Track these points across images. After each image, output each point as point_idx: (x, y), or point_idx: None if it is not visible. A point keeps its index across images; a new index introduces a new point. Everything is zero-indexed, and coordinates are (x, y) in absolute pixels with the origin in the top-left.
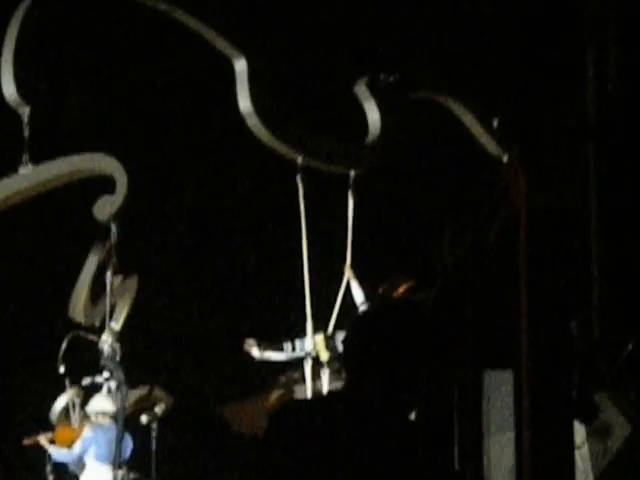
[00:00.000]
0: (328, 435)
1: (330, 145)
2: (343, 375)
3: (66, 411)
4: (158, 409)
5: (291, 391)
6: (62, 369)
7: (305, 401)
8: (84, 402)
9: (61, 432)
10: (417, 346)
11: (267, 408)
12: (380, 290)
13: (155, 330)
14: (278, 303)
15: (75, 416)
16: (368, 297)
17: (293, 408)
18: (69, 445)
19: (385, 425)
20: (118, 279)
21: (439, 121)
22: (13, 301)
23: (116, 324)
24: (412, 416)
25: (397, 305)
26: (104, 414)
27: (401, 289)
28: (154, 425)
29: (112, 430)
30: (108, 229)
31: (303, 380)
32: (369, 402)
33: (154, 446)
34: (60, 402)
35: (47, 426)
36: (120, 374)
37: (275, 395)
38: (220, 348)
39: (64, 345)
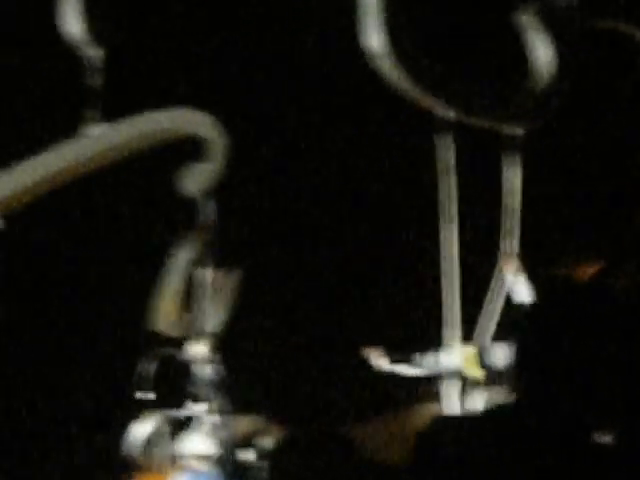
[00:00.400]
0: (493, 461)
1: (486, 94)
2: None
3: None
4: (267, 442)
5: (437, 408)
6: (150, 395)
7: (465, 418)
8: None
9: None
10: (618, 351)
11: (411, 428)
12: (555, 278)
13: (260, 339)
14: (410, 305)
15: (159, 454)
16: (539, 293)
17: (449, 426)
18: None
19: (570, 452)
20: (215, 275)
21: (629, 61)
22: (76, 313)
23: (212, 335)
24: (605, 442)
25: (587, 296)
26: (201, 458)
27: (585, 274)
28: (263, 464)
29: (212, 478)
30: (197, 209)
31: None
32: (549, 423)
33: None
34: (142, 433)
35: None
36: (224, 403)
37: (420, 411)
38: (339, 360)
39: (153, 367)
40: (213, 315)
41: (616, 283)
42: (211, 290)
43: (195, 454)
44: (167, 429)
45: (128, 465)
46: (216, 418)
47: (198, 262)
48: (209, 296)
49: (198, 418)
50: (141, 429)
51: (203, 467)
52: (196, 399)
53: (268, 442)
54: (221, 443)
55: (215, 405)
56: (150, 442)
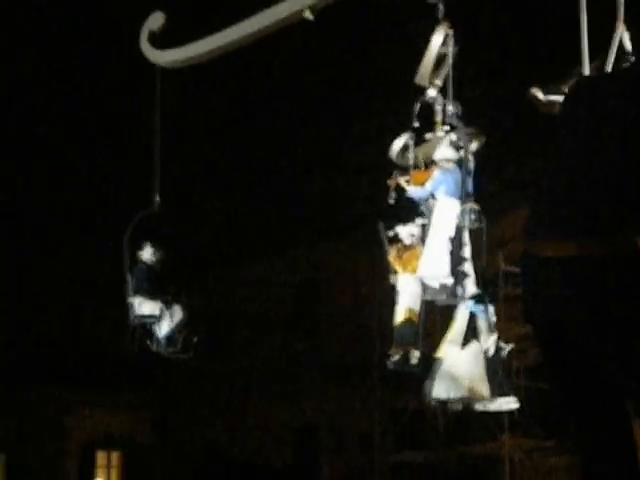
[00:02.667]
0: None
1: None
2: None
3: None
4: None
5: None
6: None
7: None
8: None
9: (416, 175)
10: None
11: None
12: None
13: None
14: None
15: (410, 156)
16: None
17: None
18: (422, 184)
19: None
20: None
21: None
22: None
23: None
24: None
25: None
26: (448, 160)
27: None
28: None
29: (457, 172)
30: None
31: None
32: None
33: None
34: (398, 143)
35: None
36: (465, 130)
37: None
38: None
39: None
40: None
41: None
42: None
43: (444, 158)
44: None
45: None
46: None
47: None
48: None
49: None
50: (397, 142)
51: (451, 166)
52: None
53: None
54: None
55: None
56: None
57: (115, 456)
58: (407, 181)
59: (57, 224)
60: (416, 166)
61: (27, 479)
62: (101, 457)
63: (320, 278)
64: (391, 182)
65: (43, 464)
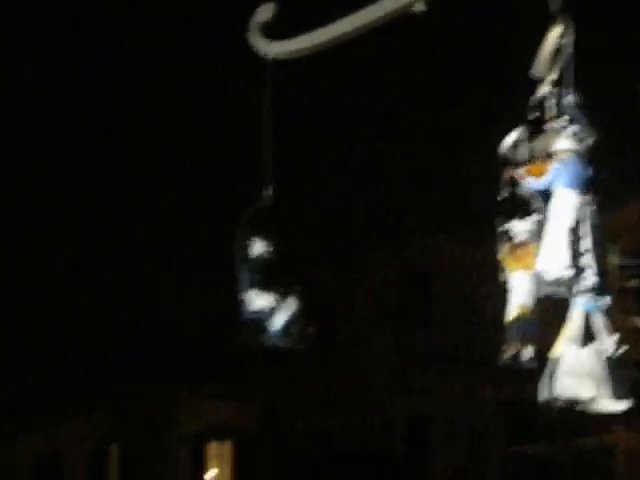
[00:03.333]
0: None
1: None
2: None
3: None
4: None
5: None
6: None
7: None
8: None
9: (533, 167)
10: None
11: None
12: None
13: None
14: None
15: (523, 150)
16: None
17: None
18: (539, 176)
19: None
20: None
21: None
22: None
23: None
24: None
25: None
26: (568, 152)
27: None
28: None
29: (576, 164)
30: None
31: None
32: None
33: None
34: (510, 138)
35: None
36: (584, 122)
37: None
38: None
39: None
40: None
41: None
42: None
43: (563, 149)
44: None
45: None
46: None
47: None
48: None
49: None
50: (509, 136)
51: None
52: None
53: None
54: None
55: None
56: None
57: (227, 446)
58: (524, 173)
59: (170, 218)
60: (531, 159)
61: (140, 470)
62: (213, 448)
63: (434, 270)
64: (506, 176)
65: (156, 455)
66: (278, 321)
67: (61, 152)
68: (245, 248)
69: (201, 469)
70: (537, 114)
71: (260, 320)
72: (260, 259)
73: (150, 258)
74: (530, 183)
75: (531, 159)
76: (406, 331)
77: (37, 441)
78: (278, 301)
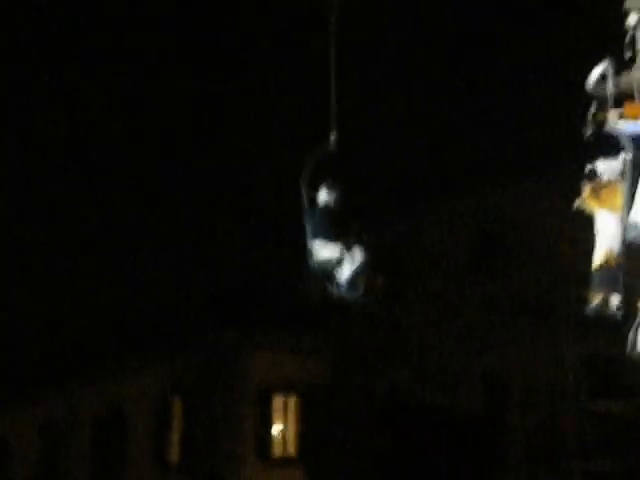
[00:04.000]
0: None
1: None
2: None
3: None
4: None
5: None
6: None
7: None
8: None
9: (629, 107)
10: None
11: None
12: None
13: None
14: None
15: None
16: None
17: None
18: (636, 118)
19: None
20: None
21: None
22: None
23: None
24: None
25: None
26: None
27: None
28: None
29: None
30: None
31: None
32: None
33: None
34: (596, 72)
35: None
36: None
37: None
38: None
39: None
40: None
41: None
42: None
43: None
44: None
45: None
46: None
47: None
48: None
49: None
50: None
51: None
52: None
53: None
54: None
55: None
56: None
57: (292, 400)
58: (619, 115)
59: (233, 166)
60: (618, 95)
61: (204, 423)
62: (278, 401)
63: (513, 217)
64: (599, 115)
65: (220, 408)
66: (345, 272)
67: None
68: (311, 196)
69: (268, 423)
70: (627, 47)
71: (326, 271)
72: (326, 208)
73: (215, 209)
74: (624, 126)
75: (618, 94)
76: (483, 284)
77: (98, 394)
78: (345, 252)
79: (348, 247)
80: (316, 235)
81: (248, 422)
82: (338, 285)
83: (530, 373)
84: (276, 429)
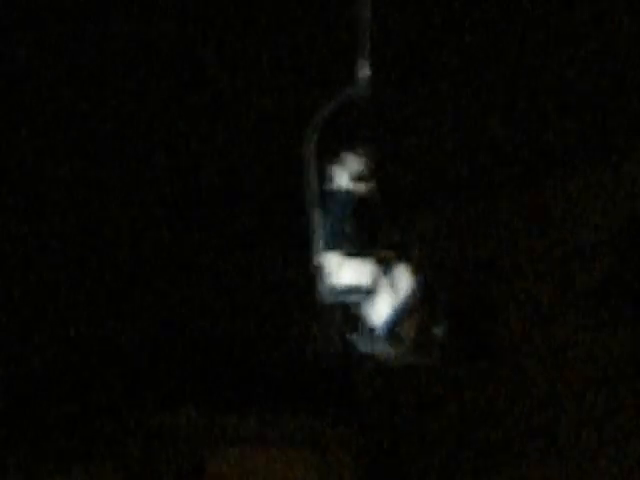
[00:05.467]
0: None
1: None
2: None
3: None
4: None
5: None
6: None
7: None
8: None
9: None
10: None
11: None
12: None
13: None
14: None
15: None
16: None
17: None
18: None
19: None
20: None
21: None
22: None
23: None
24: None
25: None
26: None
27: None
28: None
29: None
30: None
31: None
32: None
33: None
34: None
35: None
36: None
37: None
38: None
39: None
40: None
41: None
42: None
43: None
44: None
45: None
46: None
47: None
48: None
49: None
50: None
51: None
52: None
53: None
54: None
55: None
56: None
57: None
58: None
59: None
60: None
61: None
62: None
63: None
64: None
65: None
66: (380, 311)
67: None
68: (322, 179)
69: None
70: None
71: (348, 308)
72: (350, 198)
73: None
74: None
75: None
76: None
77: None
78: (382, 276)
79: (388, 268)
80: (331, 245)
81: None
82: (369, 333)
83: None
84: None
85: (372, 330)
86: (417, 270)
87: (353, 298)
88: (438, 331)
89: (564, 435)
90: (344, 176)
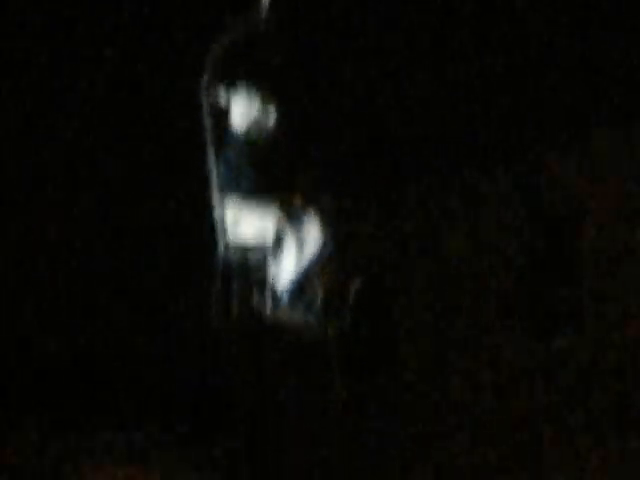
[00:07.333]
0: None
1: None
2: None
3: None
4: None
5: None
6: None
7: None
8: None
9: None
10: None
11: None
12: None
13: None
14: None
15: None
16: None
17: None
18: None
19: None
20: None
21: None
22: None
23: None
24: None
25: None
26: None
27: None
28: None
29: None
30: None
31: None
32: None
33: None
34: None
35: None
36: None
37: None
38: None
39: None
40: None
41: None
42: None
43: None
44: None
45: None
46: None
47: None
48: None
49: None
50: None
51: None
52: None
53: None
54: None
55: None
56: None
57: None
58: None
59: None
60: None
61: None
62: None
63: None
64: None
65: None
66: (284, 270)
67: None
68: (220, 114)
69: None
70: None
71: (248, 268)
72: (251, 136)
73: None
74: None
75: None
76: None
77: None
78: (288, 226)
79: (294, 217)
80: (230, 188)
81: None
82: (273, 292)
83: None
84: None
85: (277, 292)
86: (328, 221)
87: (256, 255)
88: (352, 288)
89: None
90: (241, 116)
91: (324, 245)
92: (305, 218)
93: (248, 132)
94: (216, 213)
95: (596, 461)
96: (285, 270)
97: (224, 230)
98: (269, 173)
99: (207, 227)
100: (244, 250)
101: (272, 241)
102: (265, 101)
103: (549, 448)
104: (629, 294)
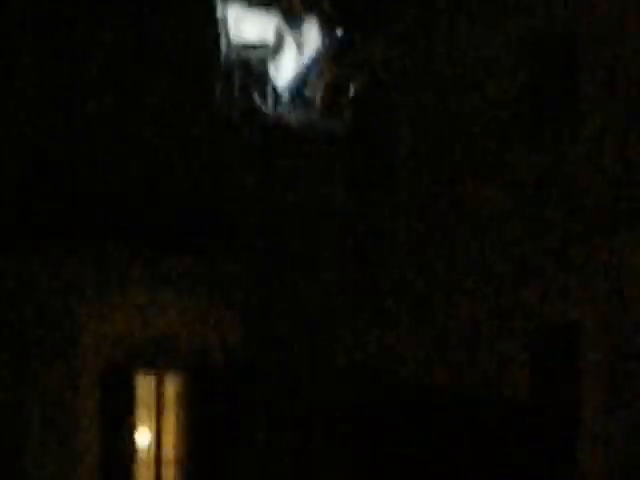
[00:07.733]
0: None
1: None
2: None
3: None
4: None
5: None
6: None
7: None
8: None
9: None
10: None
11: None
12: None
13: None
14: None
15: None
16: None
17: None
18: None
19: None
20: None
21: None
22: None
23: None
24: None
25: None
26: None
27: None
28: None
29: None
30: None
31: None
32: None
33: None
34: None
35: None
36: None
37: None
38: None
39: None
40: None
41: None
42: None
43: None
44: None
45: None
46: None
47: None
48: None
49: None
50: None
51: None
52: None
53: None
54: None
55: None
56: None
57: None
58: None
59: None
60: None
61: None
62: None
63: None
64: None
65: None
66: (284, 68)
67: None
68: None
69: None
70: None
71: (249, 68)
72: None
73: None
74: None
75: None
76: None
77: None
78: (286, 30)
79: (295, 22)
80: None
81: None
82: (275, 93)
83: None
84: (142, 437)
85: (277, 90)
86: (328, 24)
87: (257, 55)
88: (351, 89)
89: None
90: None
91: (324, 46)
92: (305, 22)
93: None
94: (219, 11)
95: None
96: (285, 69)
97: (227, 28)
98: None
99: (211, 25)
100: (245, 48)
101: (273, 43)
102: None
103: None
104: None
